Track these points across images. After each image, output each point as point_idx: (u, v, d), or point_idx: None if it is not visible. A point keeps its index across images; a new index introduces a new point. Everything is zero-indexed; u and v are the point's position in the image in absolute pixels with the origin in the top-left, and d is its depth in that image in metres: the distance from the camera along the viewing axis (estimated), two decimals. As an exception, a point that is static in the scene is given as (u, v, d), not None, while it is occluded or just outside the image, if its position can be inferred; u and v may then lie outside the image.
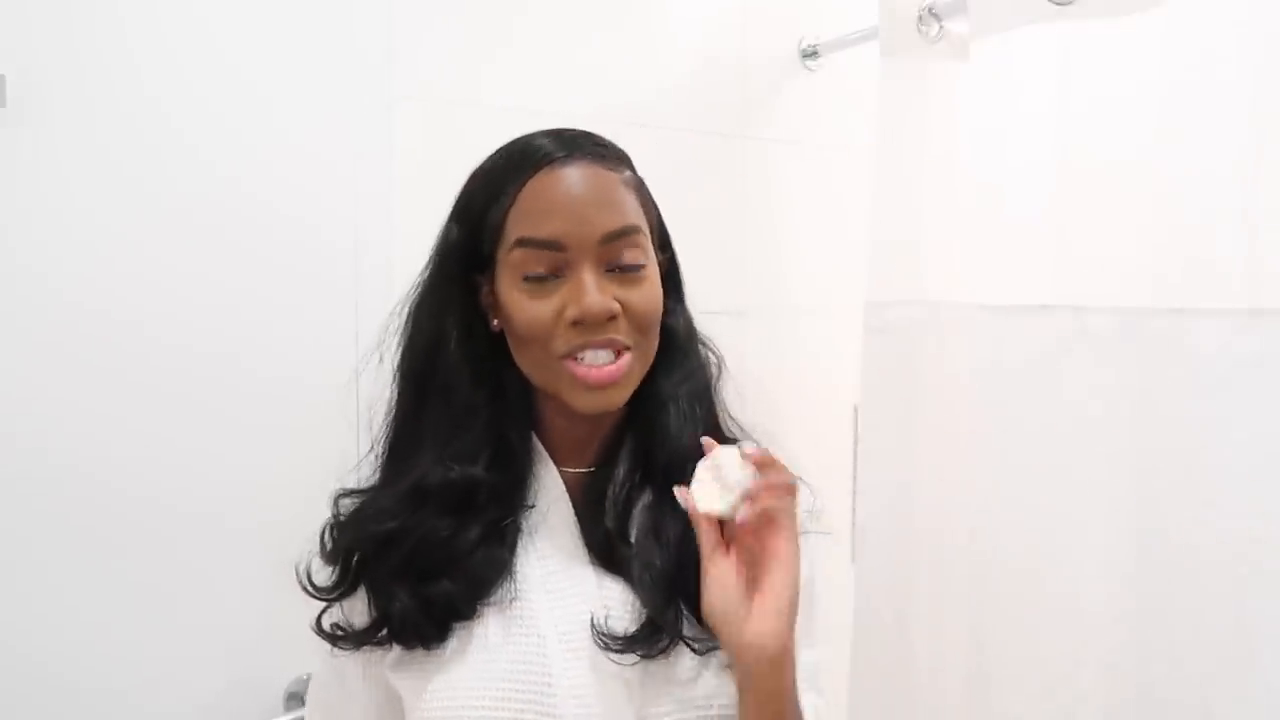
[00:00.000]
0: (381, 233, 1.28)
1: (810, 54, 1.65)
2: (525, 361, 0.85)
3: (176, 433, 1.18)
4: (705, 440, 0.80)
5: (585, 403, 0.83)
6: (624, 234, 0.82)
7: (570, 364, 0.81)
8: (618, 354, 0.82)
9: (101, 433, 1.15)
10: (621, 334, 0.82)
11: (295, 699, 1.21)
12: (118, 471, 1.15)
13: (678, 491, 0.78)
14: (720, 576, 0.76)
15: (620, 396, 0.84)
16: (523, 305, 0.82)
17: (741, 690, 0.78)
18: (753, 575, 0.77)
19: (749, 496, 0.75)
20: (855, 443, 1.48)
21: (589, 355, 0.81)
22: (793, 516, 0.78)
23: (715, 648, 0.81)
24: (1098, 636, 1.18)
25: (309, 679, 0.95)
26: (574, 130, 0.87)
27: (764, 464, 0.77)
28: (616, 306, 0.81)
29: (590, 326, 0.80)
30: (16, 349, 1.11)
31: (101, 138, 1.14)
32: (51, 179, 1.12)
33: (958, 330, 1.32)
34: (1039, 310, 1.23)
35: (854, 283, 1.41)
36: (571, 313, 0.80)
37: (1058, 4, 1.21)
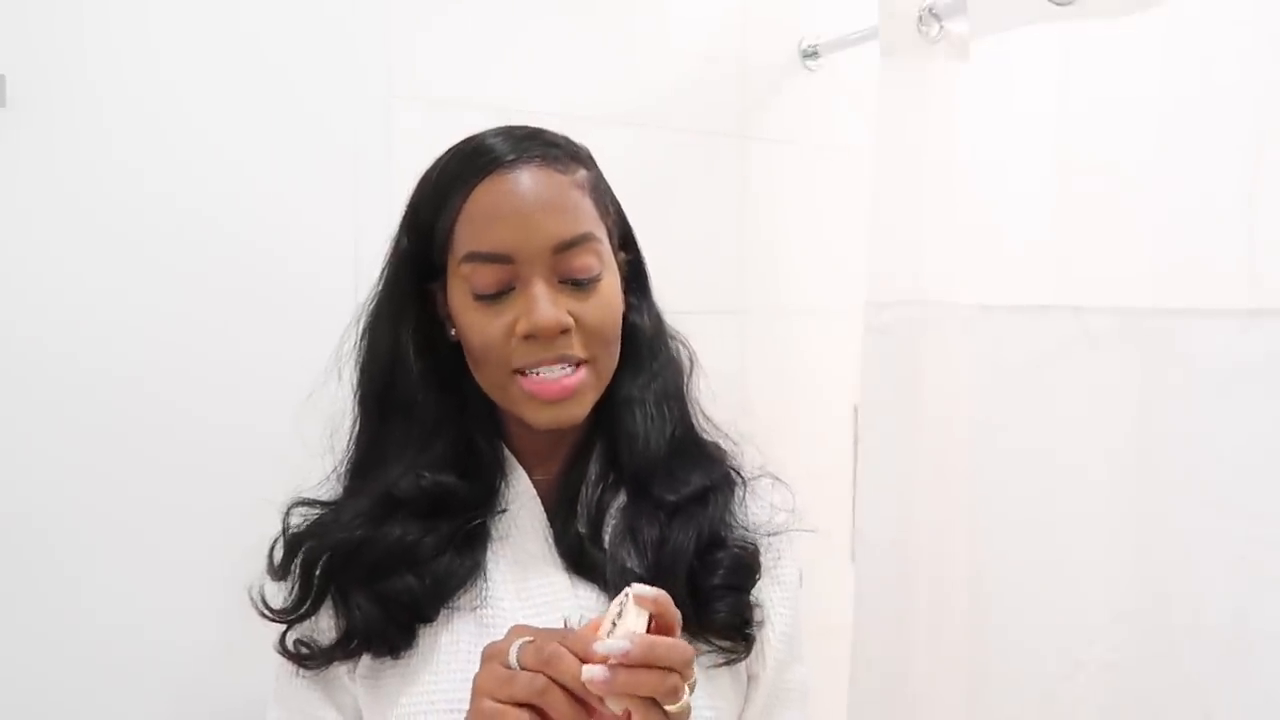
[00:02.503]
0: (381, 234, 1.27)
1: (810, 54, 1.65)
2: (481, 378, 0.82)
3: (175, 432, 1.18)
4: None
5: (541, 418, 0.80)
6: (577, 243, 0.79)
7: (523, 380, 0.79)
8: (576, 367, 0.79)
9: (102, 426, 1.15)
10: (575, 349, 0.79)
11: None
12: (102, 469, 1.15)
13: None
14: None
15: (576, 411, 0.80)
16: (475, 322, 0.79)
17: None
18: None
19: (616, 663, 0.62)
20: (855, 443, 1.48)
21: (543, 371, 0.78)
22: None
23: (701, 646, 0.79)
24: (1098, 636, 1.18)
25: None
26: (525, 128, 0.83)
27: (661, 624, 0.65)
28: (569, 320, 0.78)
29: (542, 342, 0.77)
30: (14, 352, 1.11)
31: (102, 138, 1.14)
32: (51, 179, 1.12)
33: (958, 330, 1.32)
34: (1039, 310, 1.23)
35: (854, 283, 1.41)
36: (523, 327, 0.77)
37: (1058, 4, 1.21)
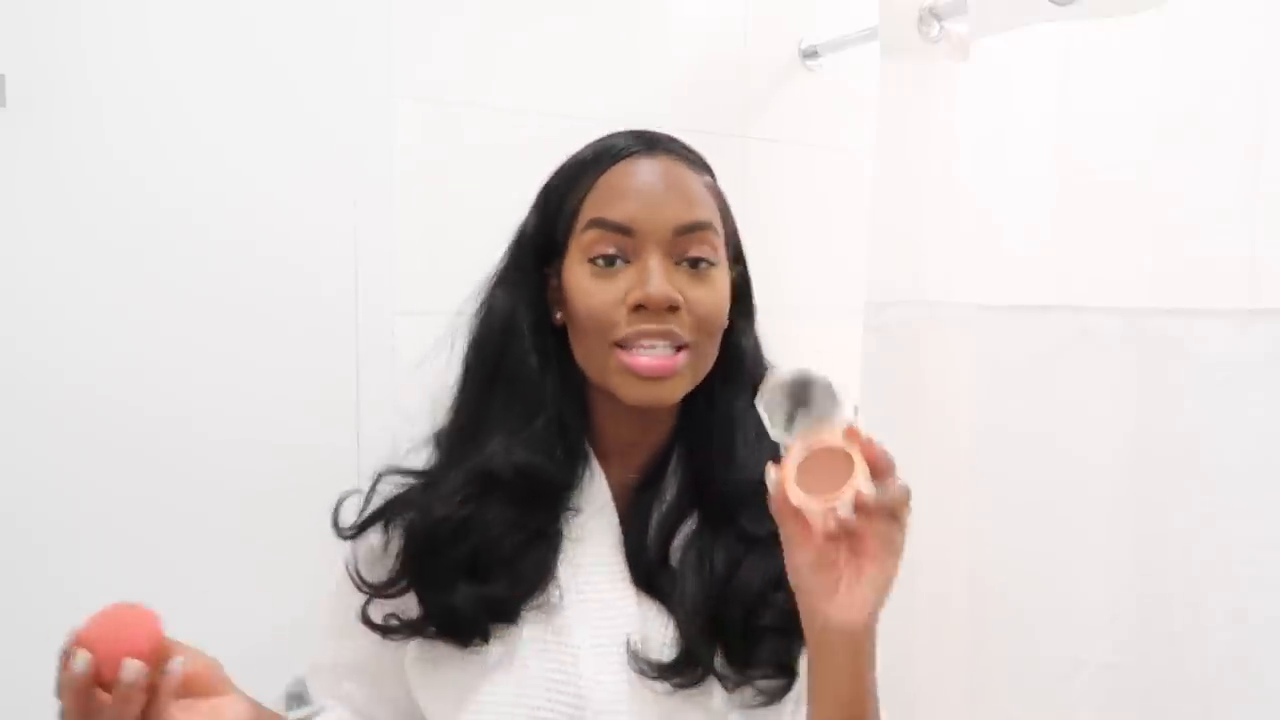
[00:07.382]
0: (381, 234, 1.28)
1: (810, 54, 1.65)
2: (581, 349, 0.83)
3: (175, 433, 1.18)
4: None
5: (634, 394, 0.80)
6: (697, 228, 0.81)
7: (622, 353, 0.79)
8: (676, 350, 0.80)
9: (99, 426, 1.15)
10: (682, 329, 0.79)
11: (295, 699, 1.20)
12: (116, 472, 1.15)
13: (770, 470, 0.72)
14: (804, 562, 0.71)
15: (670, 393, 0.81)
16: (586, 287, 0.80)
17: (821, 674, 0.73)
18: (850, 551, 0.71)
19: (857, 506, 0.68)
20: (855, 443, 1.48)
21: (643, 351, 0.79)
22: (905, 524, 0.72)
23: (744, 684, 0.79)
24: (1098, 636, 1.18)
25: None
26: (659, 132, 0.87)
27: (878, 468, 0.72)
28: (679, 297, 0.79)
29: (651, 314, 0.78)
30: (12, 351, 1.11)
31: (101, 137, 1.14)
32: (51, 179, 1.12)
33: (958, 330, 1.32)
34: (1039, 310, 1.23)
35: (854, 283, 1.41)
36: (635, 296, 0.78)
37: (1058, 4, 1.21)
